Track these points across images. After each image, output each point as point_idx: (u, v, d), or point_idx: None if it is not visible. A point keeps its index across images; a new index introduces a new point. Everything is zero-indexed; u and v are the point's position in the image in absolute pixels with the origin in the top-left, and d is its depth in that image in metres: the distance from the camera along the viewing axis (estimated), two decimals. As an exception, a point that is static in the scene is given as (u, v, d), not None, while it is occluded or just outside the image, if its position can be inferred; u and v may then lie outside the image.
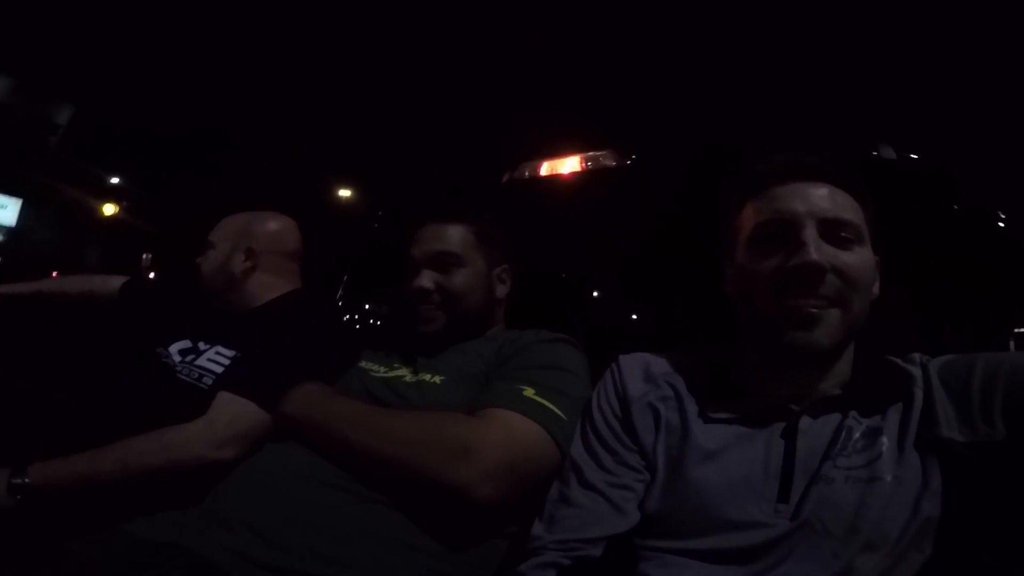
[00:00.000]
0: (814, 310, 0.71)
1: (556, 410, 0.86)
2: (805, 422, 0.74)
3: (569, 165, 1.53)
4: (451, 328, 1.09)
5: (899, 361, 0.77)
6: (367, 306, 2.10)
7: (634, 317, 1.64)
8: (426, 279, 1.08)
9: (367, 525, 0.81)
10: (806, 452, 0.71)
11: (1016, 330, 1.12)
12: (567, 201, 1.59)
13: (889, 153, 1.34)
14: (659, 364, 0.88)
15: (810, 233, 0.72)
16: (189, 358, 1.14)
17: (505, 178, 1.65)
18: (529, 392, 0.86)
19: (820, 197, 0.75)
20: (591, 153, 1.50)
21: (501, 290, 1.18)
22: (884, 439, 0.70)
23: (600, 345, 1.03)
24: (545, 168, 1.57)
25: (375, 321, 2.09)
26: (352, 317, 2.08)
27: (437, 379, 1.00)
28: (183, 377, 1.11)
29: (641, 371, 0.87)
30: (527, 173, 1.58)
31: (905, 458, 0.68)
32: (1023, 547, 0.67)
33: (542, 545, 0.74)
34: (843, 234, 0.73)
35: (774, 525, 0.68)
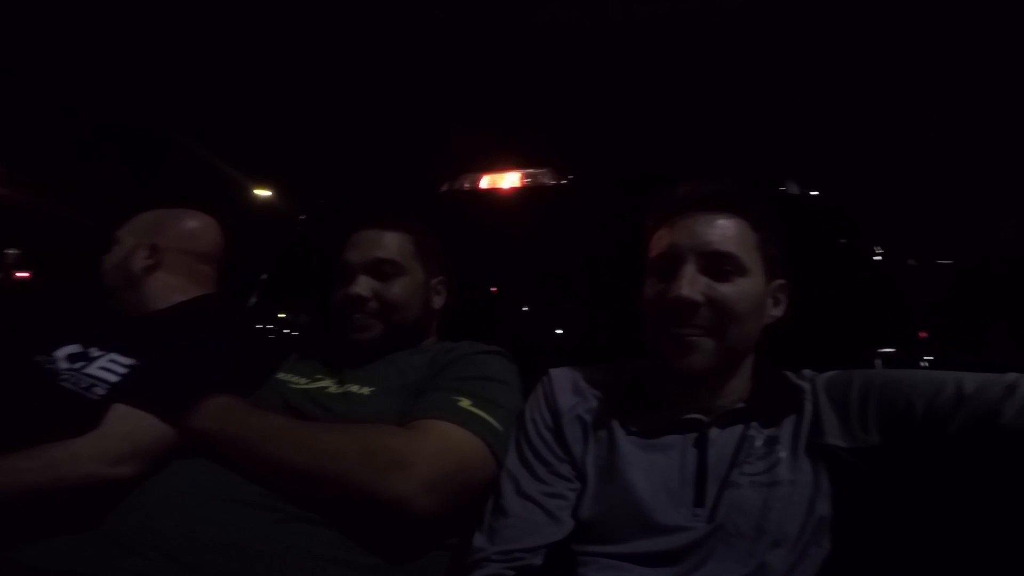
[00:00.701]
0: (690, 338, 0.78)
1: (492, 421, 0.85)
2: (714, 433, 0.80)
3: (509, 180, 1.55)
4: (387, 337, 1.05)
5: (792, 376, 0.86)
6: (282, 315, 1.99)
7: (559, 332, 1.68)
8: (363, 286, 1.04)
9: (296, 544, 0.75)
10: (716, 460, 0.78)
11: (880, 350, 1.28)
12: (503, 215, 1.61)
13: (794, 189, 1.49)
14: (587, 378, 0.92)
15: (688, 268, 0.79)
16: (78, 365, 1.02)
17: (444, 188, 1.64)
18: (465, 403, 0.85)
19: (706, 231, 0.81)
20: (531, 170, 1.53)
21: (437, 301, 1.16)
22: (781, 447, 0.78)
23: (527, 359, 1.04)
24: (486, 181, 1.58)
25: (291, 331, 1.97)
26: (266, 326, 1.95)
27: (366, 390, 0.96)
28: (67, 386, 0.98)
29: (571, 384, 0.91)
30: (466, 185, 1.58)
31: (799, 463, 0.76)
32: (901, 539, 0.78)
33: (485, 557, 0.75)
34: (724, 267, 0.79)
35: (694, 528, 0.74)
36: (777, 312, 0.86)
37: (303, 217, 2.05)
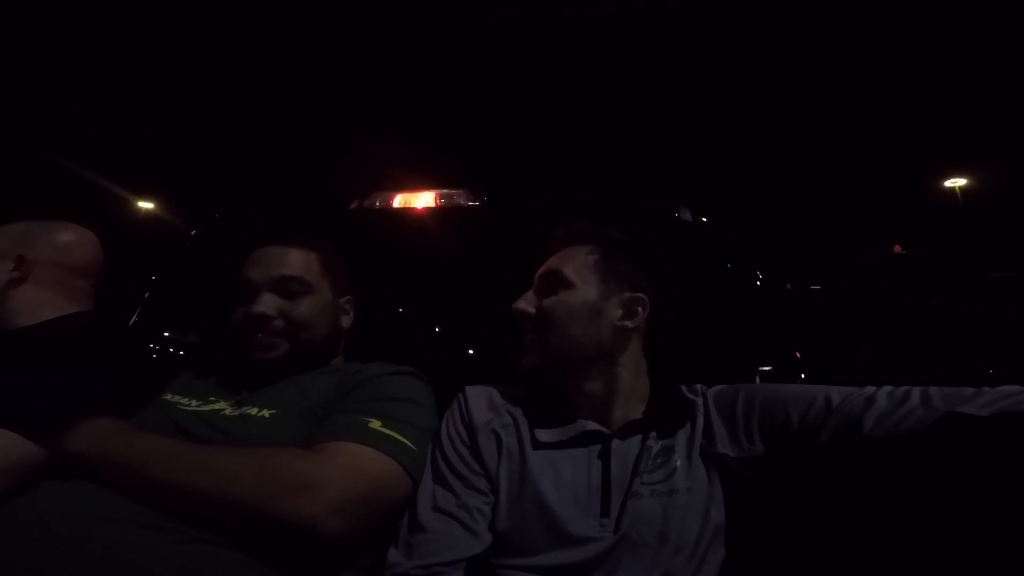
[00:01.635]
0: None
1: (405, 441, 0.84)
2: (615, 444, 0.85)
3: (424, 200, 1.54)
4: (293, 358, 1.01)
5: (685, 390, 0.94)
6: (166, 334, 1.81)
7: (471, 352, 1.69)
8: (267, 304, 1.00)
9: (193, 567, 0.69)
10: (619, 471, 0.83)
11: (760, 368, 1.40)
12: (414, 235, 1.60)
13: (687, 215, 1.62)
14: (500, 394, 0.95)
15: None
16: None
17: (354, 205, 1.59)
18: (375, 424, 0.84)
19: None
20: (446, 190, 1.54)
21: (345, 321, 1.13)
22: (676, 456, 0.84)
23: (441, 378, 1.04)
24: (399, 200, 1.55)
25: (177, 351, 1.80)
26: (149, 346, 1.77)
27: (266, 413, 0.91)
28: None
29: (485, 401, 0.94)
30: (377, 203, 1.55)
31: (693, 472, 0.82)
32: (789, 543, 0.85)
33: (403, 572, 0.74)
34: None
35: (602, 538, 0.77)
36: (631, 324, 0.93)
37: (195, 232, 1.89)
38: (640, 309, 0.92)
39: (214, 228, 1.82)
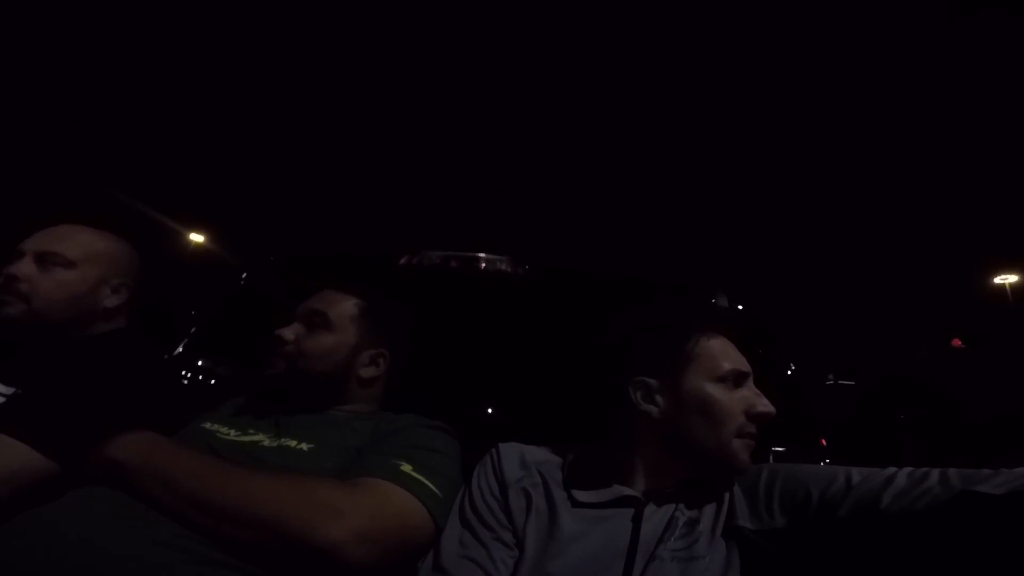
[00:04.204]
0: (753, 445, 0.91)
1: (432, 487, 0.87)
2: (649, 510, 0.87)
3: (470, 263, 1.60)
4: (286, 379, 1.06)
5: None
6: (200, 362, 1.87)
7: (489, 411, 1.70)
8: (288, 329, 1.09)
9: None
10: (647, 536, 0.85)
11: (773, 448, 1.41)
12: (453, 297, 1.65)
13: (723, 302, 1.64)
14: (532, 454, 0.99)
15: (752, 388, 0.94)
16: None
17: (403, 261, 1.67)
18: (407, 468, 0.87)
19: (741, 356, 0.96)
20: (491, 256, 1.60)
21: (368, 371, 1.14)
22: (700, 527, 0.86)
23: (468, 435, 1.06)
24: (446, 260, 1.62)
25: (209, 379, 1.85)
26: (184, 373, 1.83)
27: (304, 446, 0.94)
28: None
29: (517, 458, 0.97)
30: (426, 262, 1.62)
31: (715, 543, 0.84)
32: None
33: None
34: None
35: None
36: None
37: (246, 274, 1.99)
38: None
39: (266, 270, 1.91)
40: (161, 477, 0.79)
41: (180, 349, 1.82)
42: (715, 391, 0.91)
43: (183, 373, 1.79)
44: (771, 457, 1.40)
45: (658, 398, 0.94)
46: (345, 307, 1.13)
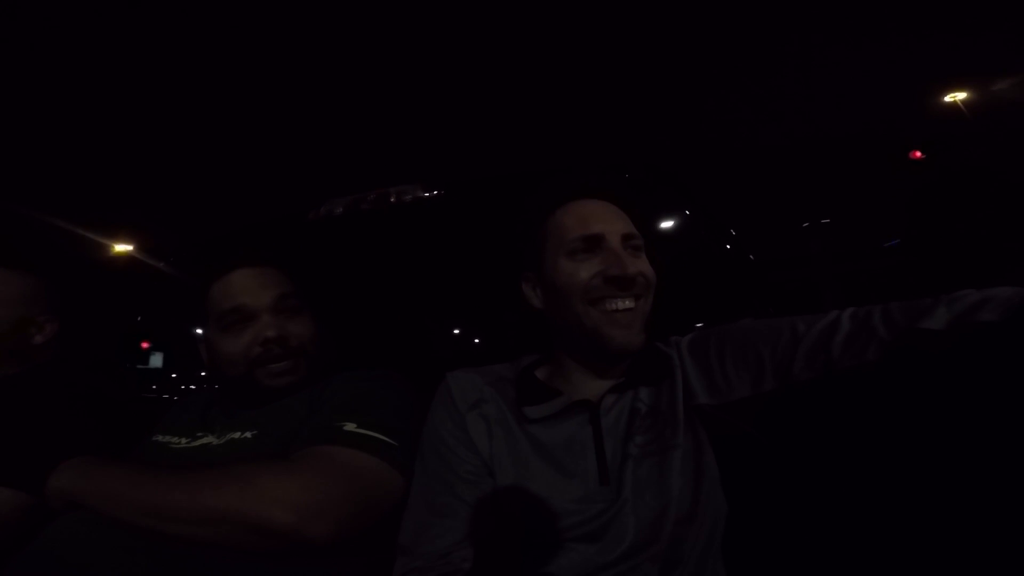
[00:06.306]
0: (629, 311, 0.83)
1: (384, 437, 0.85)
2: (604, 411, 0.84)
3: (380, 200, 1.51)
4: (306, 375, 1.01)
5: (661, 345, 0.92)
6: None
7: (456, 331, 1.70)
8: (276, 326, 0.99)
9: None
10: (610, 436, 0.82)
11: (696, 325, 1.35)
12: (373, 238, 1.58)
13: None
14: (482, 376, 0.94)
15: (618, 246, 0.84)
16: None
17: (312, 216, 1.56)
18: (351, 426, 0.84)
19: (616, 215, 0.87)
20: (400, 187, 1.51)
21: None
22: (663, 413, 0.83)
23: (420, 370, 1.05)
24: (354, 204, 1.52)
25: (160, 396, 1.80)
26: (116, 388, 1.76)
27: (249, 434, 0.92)
28: None
29: (469, 384, 0.93)
30: (336, 209, 1.52)
31: (681, 428, 0.81)
32: (782, 482, 0.85)
33: (415, 567, 0.77)
34: (635, 243, 0.87)
35: (604, 505, 0.77)
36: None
37: (164, 267, 1.87)
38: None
39: (180, 264, 1.79)
40: (107, 494, 0.78)
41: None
42: (564, 264, 0.85)
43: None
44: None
45: (537, 290, 0.91)
46: (290, 280, 1.06)
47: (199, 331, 1.07)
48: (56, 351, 1.19)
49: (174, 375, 1.98)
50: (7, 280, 1.14)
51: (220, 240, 1.75)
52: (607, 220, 0.86)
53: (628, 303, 0.83)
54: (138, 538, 0.76)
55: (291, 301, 1.02)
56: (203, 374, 1.74)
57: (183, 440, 0.97)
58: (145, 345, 2.06)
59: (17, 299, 1.14)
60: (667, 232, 1.49)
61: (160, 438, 0.99)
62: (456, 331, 1.74)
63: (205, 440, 0.95)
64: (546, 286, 0.89)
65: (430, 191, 1.51)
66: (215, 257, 1.06)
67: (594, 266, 0.83)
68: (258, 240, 1.62)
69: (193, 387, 1.80)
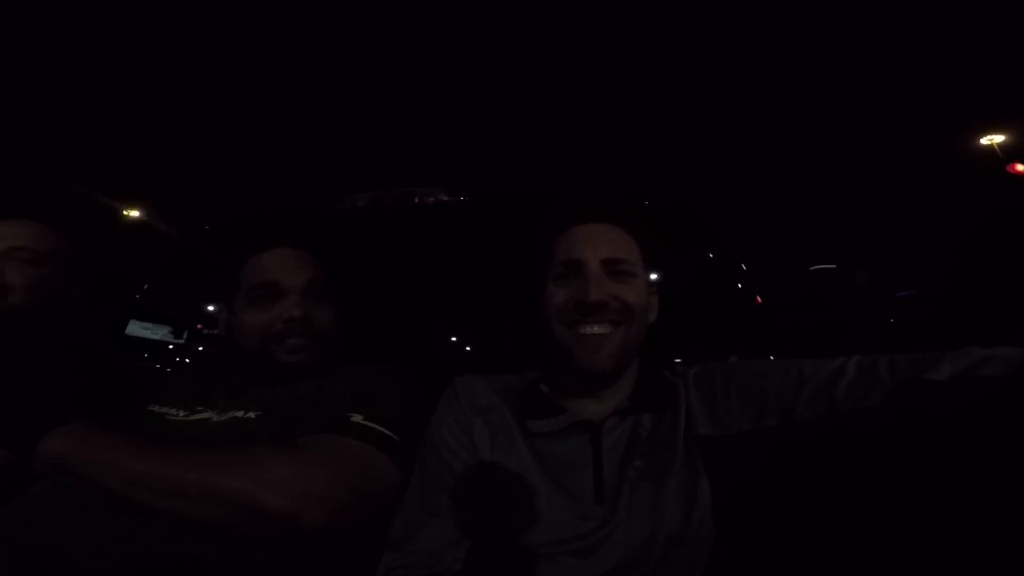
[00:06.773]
0: (599, 335, 0.84)
1: (387, 432, 0.85)
2: (607, 432, 0.86)
3: (403, 198, 1.52)
4: (317, 359, 1.02)
5: (668, 373, 0.93)
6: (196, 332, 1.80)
7: (460, 345, 1.70)
8: (303, 307, 1.00)
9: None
10: (610, 457, 0.83)
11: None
12: (394, 238, 1.59)
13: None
14: (489, 384, 0.95)
15: (595, 271, 0.85)
16: None
17: (334, 208, 1.57)
18: (358, 418, 0.84)
19: (605, 239, 0.88)
20: (425, 188, 1.52)
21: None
22: (664, 440, 0.84)
23: (428, 372, 1.05)
24: (377, 200, 1.54)
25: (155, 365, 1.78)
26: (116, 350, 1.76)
27: (252, 414, 0.91)
28: None
29: (476, 390, 0.94)
30: (360, 204, 1.53)
31: (680, 455, 0.82)
32: (774, 516, 0.84)
33: (403, 564, 0.77)
34: (622, 270, 0.87)
35: (598, 524, 0.78)
36: (653, 316, 0.94)
37: (180, 240, 1.88)
38: (655, 302, 0.95)
39: (204, 238, 1.80)
40: (102, 462, 0.76)
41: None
42: (549, 286, 0.89)
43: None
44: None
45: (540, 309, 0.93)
46: (320, 269, 1.06)
47: (211, 307, 1.07)
48: (78, 312, 1.22)
49: (171, 346, 1.98)
50: (60, 239, 1.20)
51: (257, 216, 1.75)
52: (592, 245, 0.87)
53: (598, 328, 0.84)
54: (116, 521, 0.74)
55: (320, 287, 1.04)
56: (200, 348, 1.74)
57: (181, 412, 0.96)
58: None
59: (65, 258, 1.20)
60: (678, 261, 1.50)
61: (156, 408, 0.98)
62: (453, 339, 1.75)
63: (204, 415, 0.94)
64: (541, 306, 0.92)
65: (454, 196, 1.52)
66: (254, 232, 1.08)
67: (570, 291, 0.86)
68: (295, 223, 1.63)
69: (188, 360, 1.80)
